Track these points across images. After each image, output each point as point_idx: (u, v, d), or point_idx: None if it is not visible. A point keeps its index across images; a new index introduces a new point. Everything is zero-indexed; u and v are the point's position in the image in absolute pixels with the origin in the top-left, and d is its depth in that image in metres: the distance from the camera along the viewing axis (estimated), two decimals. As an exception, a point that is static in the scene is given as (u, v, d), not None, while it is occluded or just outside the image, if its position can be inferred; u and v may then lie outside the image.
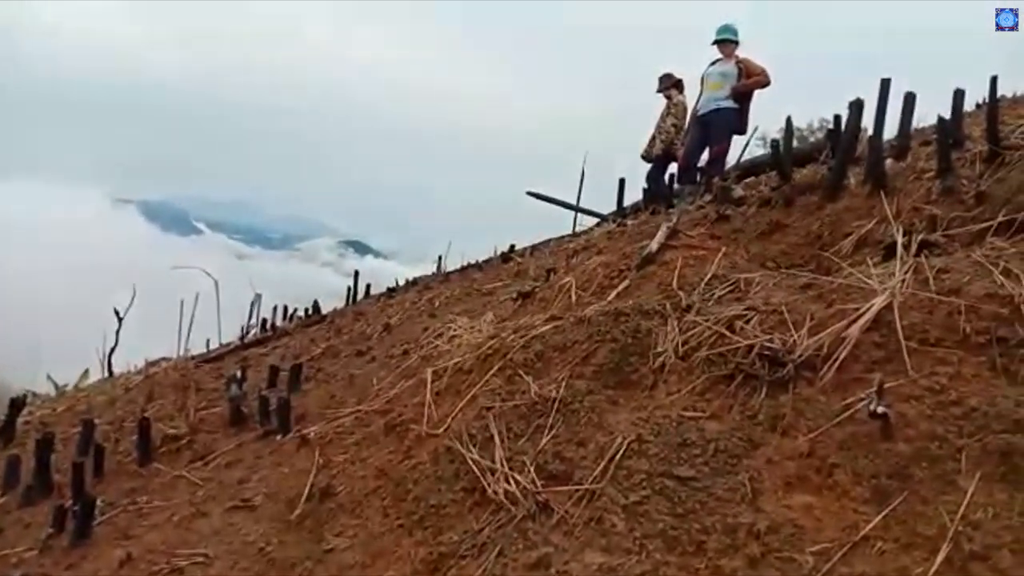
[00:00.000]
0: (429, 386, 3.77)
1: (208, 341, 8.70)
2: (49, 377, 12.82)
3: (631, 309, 3.50)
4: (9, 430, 6.14)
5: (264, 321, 8.61)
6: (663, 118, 8.52)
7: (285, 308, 9.02)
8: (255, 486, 3.80)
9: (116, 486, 4.29)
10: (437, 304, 6.07)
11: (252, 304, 10.96)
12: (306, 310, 8.95)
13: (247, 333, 8.62)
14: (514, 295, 4.79)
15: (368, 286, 9.17)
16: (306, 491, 3.52)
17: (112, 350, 13.20)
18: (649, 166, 8.53)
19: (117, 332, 13.55)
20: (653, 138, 8.56)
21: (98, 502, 4.00)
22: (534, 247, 8.14)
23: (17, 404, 6.42)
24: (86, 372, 13.00)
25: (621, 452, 2.76)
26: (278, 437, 4.26)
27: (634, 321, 3.41)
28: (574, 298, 4.06)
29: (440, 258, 9.59)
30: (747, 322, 3.04)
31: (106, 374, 12.31)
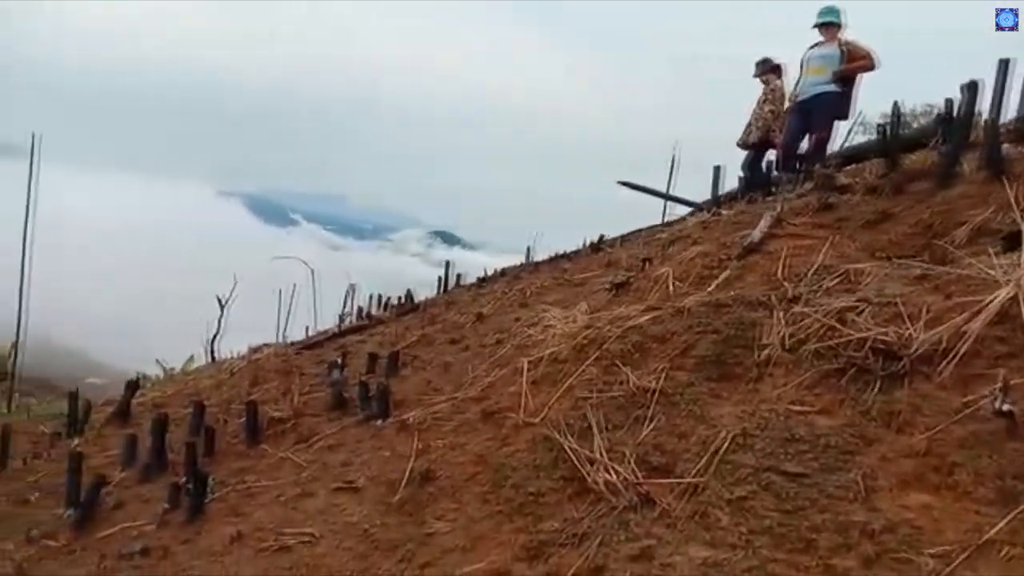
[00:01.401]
0: (525, 375, 3.79)
1: (307, 329, 9.00)
2: (158, 361, 13.57)
3: (733, 300, 3.43)
4: (125, 410, 6.52)
5: (360, 309, 8.84)
6: (760, 104, 8.29)
7: (379, 297, 9.23)
8: (358, 469, 3.92)
9: (226, 465, 4.48)
10: (529, 294, 6.08)
11: (347, 293, 11.30)
12: (399, 299, 9.14)
13: (344, 321, 8.87)
14: (608, 285, 4.76)
15: (459, 276, 9.29)
16: (406, 475, 3.60)
17: (215, 337, 13.89)
18: (745, 154, 8.33)
19: (220, 319, 14.23)
20: (749, 125, 8.34)
21: (210, 480, 4.21)
22: (624, 237, 8.06)
23: (132, 386, 6.79)
24: (191, 358, 13.70)
25: (725, 446, 2.72)
26: (378, 422, 4.37)
27: (737, 312, 3.34)
28: (671, 289, 4.01)
29: (529, 249, 9.63)
30: (859, 314, 2.94)
31: (210, 360, 12.95)
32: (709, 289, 3.83)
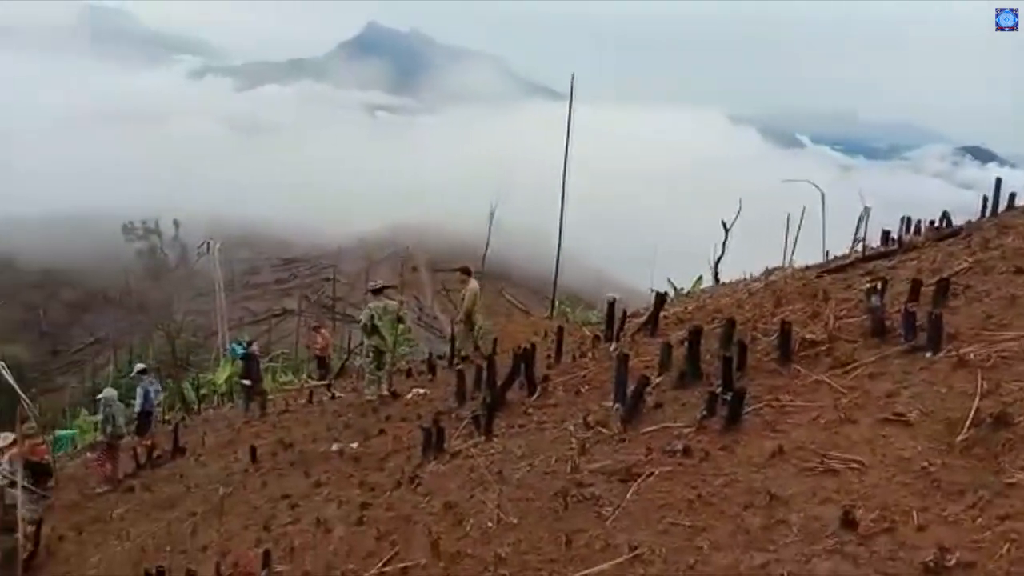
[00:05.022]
0: None
1: (827, 252, 8.65)
2: (669, 281, 14.56)
3: None
4: (654, 322, 7.10)
5: (886, 234, 8.13)
6: None
7: (909, 220, 8.36)
8: (907, 402, 3.62)
9: (758, 382, 4.55)
10: None
11: (860, 217, 10.51)
12: (931, 222, 8.17)
13: (864, 245, 8.28)
14: None
15: (1012, 195, 7.88)
16: (971, 415, 3.21)
17: (719, 259, 14.32)
18: None
19: (724, 243, 14.61)
20: None
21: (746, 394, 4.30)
22: None
23: (661, 300, 7.35)
24: (700, 278, 14.39)
25: None
26: (927, 354, 3.98)
27: None
28: None
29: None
30: None
31: (713, 281, 13.41)
32: None
